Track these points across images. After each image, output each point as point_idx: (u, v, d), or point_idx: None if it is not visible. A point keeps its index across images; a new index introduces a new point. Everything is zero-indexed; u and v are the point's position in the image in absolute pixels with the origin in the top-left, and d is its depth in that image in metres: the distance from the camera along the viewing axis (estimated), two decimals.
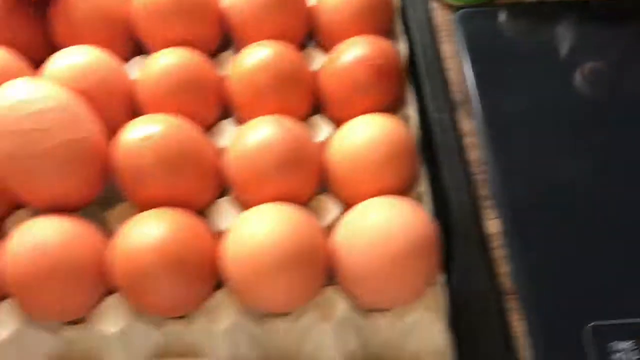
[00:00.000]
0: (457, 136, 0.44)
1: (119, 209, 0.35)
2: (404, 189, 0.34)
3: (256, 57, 0.36)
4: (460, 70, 0.48)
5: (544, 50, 0.48)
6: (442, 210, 0.41)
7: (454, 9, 0.51)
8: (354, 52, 0.36)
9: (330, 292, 0.33)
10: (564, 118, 0.45)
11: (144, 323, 0.33)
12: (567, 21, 0.49)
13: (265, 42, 0.37)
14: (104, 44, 0.38)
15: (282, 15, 0.39)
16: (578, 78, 0.47)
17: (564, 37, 0.49)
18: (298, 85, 0.37)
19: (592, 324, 0.37)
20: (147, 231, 0.30)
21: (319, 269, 0.31)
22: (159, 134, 0.32)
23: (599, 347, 0.36)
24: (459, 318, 0.36)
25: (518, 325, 0.38)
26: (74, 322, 0.34)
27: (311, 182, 0.35)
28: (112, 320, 0.32)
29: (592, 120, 0.45)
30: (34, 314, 0.32)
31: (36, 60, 0.39)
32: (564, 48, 0.48)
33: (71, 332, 0.33)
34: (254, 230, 0.31)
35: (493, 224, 0.42)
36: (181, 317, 0.34)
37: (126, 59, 0.39)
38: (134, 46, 0.41)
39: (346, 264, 0.31)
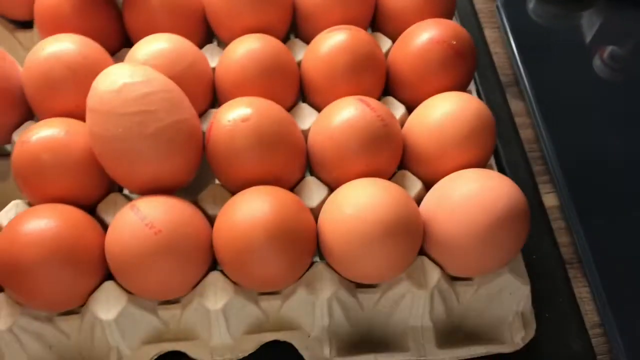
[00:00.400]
0: (510, 115, 0.46)
1: (210, 190, 0.36)
2: (483, 163, 0.36)
3: (333, 41, 0.38)
4: (504, 54, 0.50)
5: (580, 31, 0.50)
6: None
7: None
8: (429, 33, 0.37)
9: (421, 261, 0.35)
10: (609, 94, 0.47)
11: (243, 298, 0.34)
12: (599, 5, 0.52)
13: (338, 26, 0.39)
14: (177, 32, 0.39)
15: (351, 1, 0.40)
16: (616, 56, 0.49)
17: (599, 18, 0.51)
18: (373, 67, 0.38)
19: None
20: (253, 207, 0.32)
21: (417, 239, 0.33)
22: (257, 115, 0.33)
23: None
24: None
25: (582, 291, 0.40)
26: (171, 302, 0.35)
27: (395, 159, 0.36)
28: (213, 298, 0.33)
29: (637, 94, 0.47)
30: (142, 293, 0.33)
31: (109, 49, 0.40)
32: (600, 29, 0.50)
33: (173, 311, 0.34)
34: (354, 203, 0.32)
35: (550, 198, 0.44)
36: (276, 292, 0.35)
37: (199, 47, 0.40)
38: (205, 34, 0.42)
39: (439, 234, 0.33)
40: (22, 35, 0.46)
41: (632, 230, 0.41)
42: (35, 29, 0.44)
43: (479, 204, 0.32)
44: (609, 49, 0.51)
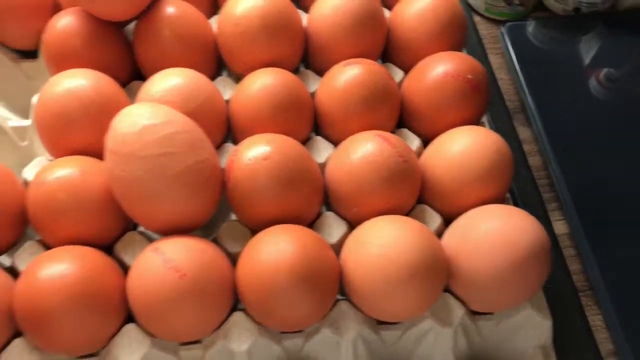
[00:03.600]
0: (518, 143, 0.46)
1: (228, 227, 0.36)
2: (502, 197, 0.36)
3: (348, 75, 0.38)
4: (509, 80, 0.50)
5: (580, 55, 0.51)
6: None
7: (495, 23, 0.53)
8: (444, 66, 0.38)
9: (444, 298, 0.35)
10: (611, 116, 0.48)
11: (267, 339, 0.33)
12: (598, 30, 0.53)
13: (353, 60, 0.38)
14: (189, 65, 0.39)
15: (363, 34, 0.40)
16: (613, 78, 0.50)
17: (597, 42, 0.52)
18: (388, 100, 0.38)
19: None
20: (278, 248, 0.31)
21: (442, 277, 0.33)
22: (278, 153, 0.33)
23: None
24: None
25: (595, 319, 0.41)
26: (192, 342, 0.34)
27: (414, 195, 0.36)
28: (237, 339, 0.33)
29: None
30: (166, 336, 0.32)
31: (119, 81, 0.39)
32: (599, 54, 0.51)
33: (195, 352, 0.34)
34: (380, 243, 0.32)
35: (560, 225, 0.44)
36: (299, 331, 0.35)
37: (210, 79, 0.40)
38: (216, 66, 0.42)
39: (463, 271, 0.33)
40: (26, 65, 0.45)
41: None
42: (41, 60, 0.44)
43: (503, 242, 0.32)
44: (605, 71, 0.51)
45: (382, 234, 0.32)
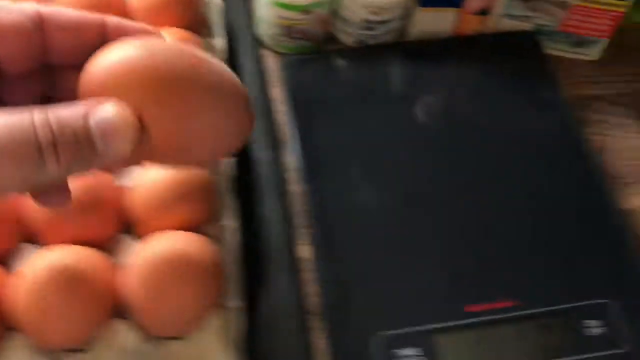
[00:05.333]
0: (279, 171, 0.49)
1: None
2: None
3: None
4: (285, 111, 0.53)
5: (361, 89, 0.53)
6: (255, 240, 0.46)
7: (284, 56, 0.56)
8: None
9: (118, 324, 0.36)
10: (373, 152, 0.50)
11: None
12: (385, 61, 0.55)
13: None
14: None
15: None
16: (391, 113, 0.52)
17: (380, 76, 0.54)
18: None
19: (379, 333, 0.41)
20: None
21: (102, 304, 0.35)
22: None
23: (386, 355, 0.41)
24: (259, 341, 0.40)
25: (321, 342, 0.43)
26: None
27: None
28: None
29: (396, 151, 0.50)
30: None
31: None
32: (379, 86, 0.53)
33: None
34: None
35: (306, 249, 0.47)
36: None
37: None
38: None
39: (132, 295, 0.36)
40: None
41: (362, 281, 0.43)
42: None
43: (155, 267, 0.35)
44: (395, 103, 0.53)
45: None
